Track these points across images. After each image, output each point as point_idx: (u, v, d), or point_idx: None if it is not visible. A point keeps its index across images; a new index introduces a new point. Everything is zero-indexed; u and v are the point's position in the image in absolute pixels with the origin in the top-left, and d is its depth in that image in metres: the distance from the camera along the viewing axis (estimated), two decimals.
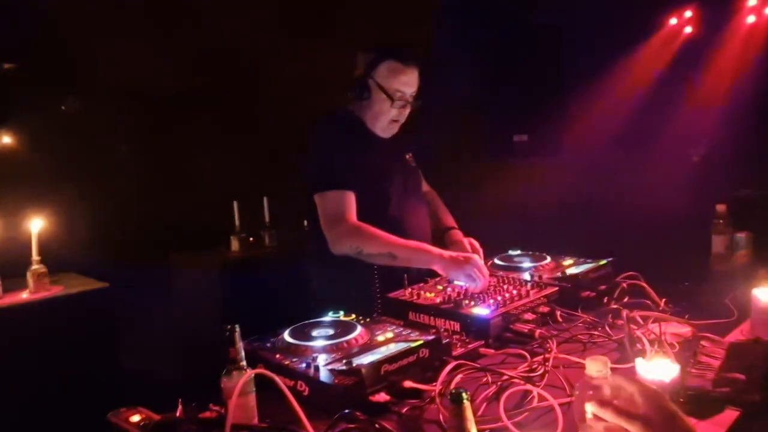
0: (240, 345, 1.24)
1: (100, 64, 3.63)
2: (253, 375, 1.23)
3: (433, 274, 2.07)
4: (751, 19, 3.56)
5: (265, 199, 4.05)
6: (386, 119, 2.18)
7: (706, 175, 3.45)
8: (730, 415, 1.26)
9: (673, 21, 3.91)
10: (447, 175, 3.39)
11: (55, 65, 3.55)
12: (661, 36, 3.93)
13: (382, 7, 4.07)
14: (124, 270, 3.41)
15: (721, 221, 2.46)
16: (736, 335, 1.69)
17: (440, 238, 2.36)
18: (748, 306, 1.71)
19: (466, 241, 2.31)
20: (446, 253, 1.98)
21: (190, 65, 3.91)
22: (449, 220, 2.46)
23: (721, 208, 2.47)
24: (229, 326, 1.23)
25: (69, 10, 3.39)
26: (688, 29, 3.87)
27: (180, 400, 1.30)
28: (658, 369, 1.22)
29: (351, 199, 2.06)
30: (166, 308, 3.65)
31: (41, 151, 3.55)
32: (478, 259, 1.96)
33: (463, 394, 1.03)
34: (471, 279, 1.89)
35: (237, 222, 3.96)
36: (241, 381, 1.18)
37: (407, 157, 2.38)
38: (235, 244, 3.96)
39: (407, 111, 2.20)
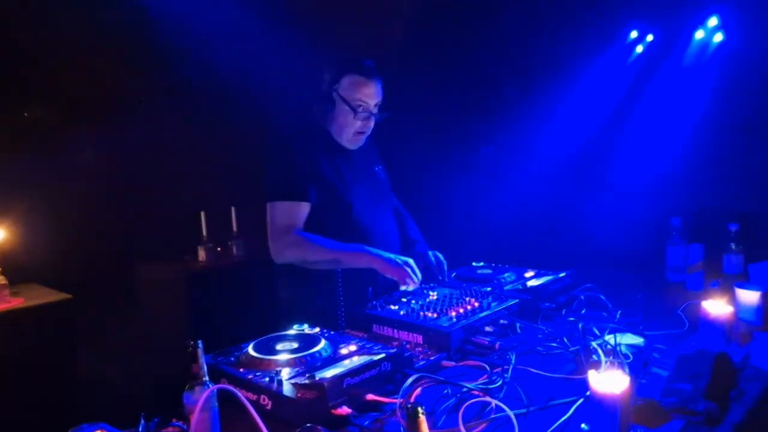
0: (202, 361, 1.25)
1: (62, 69, 3.57)
2: (215, 390, 1.24)
3: (398, 286, 2.11)
4: (704, 39, 3.72)
5: (232, 209, 4.03)
6: (351, 131, 2.20)
7: (663, 189, 3.56)
8: (677, 424, 1.32)
9: (632, 39, 4.06)
10: (413, 187, 3.43)
11: (14, 70, 3.48)
12: (620, 53, 4.07)
13: (349, 19, 4.10)
14: (89, 280, 3.36)
15: (676, 233, 2.55)
16: (686, 346, 1.75)
17: (408, 251, 2.40)
18: (698, 317, 1.78)
19: (430, 253, 2.35)
20: (384, 254, 2.05)
21: (154, 70, 3.87)
22: (416, 234, 2.50)
23: (676, 220, 2.56)
24: (191, 342, 1.24)
25: (27, 15, 3.34)
26: (647, 48, 4.02)
27: (142, 415, 1.31)
28: (610, 381, 1.27)
29: (302, 211, 2.09)
30: (131, 319, 3.60)
31: (0, 158, 3.47)
32: (412, 263, 2.05)
33: (419, 410, 1.06)
34: (403, 281, 2.01)
35: (204, 231, 3.92)
36: (203, 397, 1.19)
37: (376, 168, 2.41)
38: (202, 254, 3.92)
39: (372, 123, 2.23)
